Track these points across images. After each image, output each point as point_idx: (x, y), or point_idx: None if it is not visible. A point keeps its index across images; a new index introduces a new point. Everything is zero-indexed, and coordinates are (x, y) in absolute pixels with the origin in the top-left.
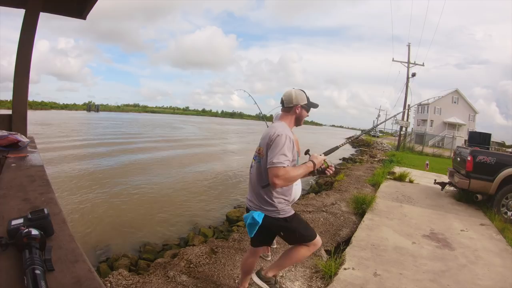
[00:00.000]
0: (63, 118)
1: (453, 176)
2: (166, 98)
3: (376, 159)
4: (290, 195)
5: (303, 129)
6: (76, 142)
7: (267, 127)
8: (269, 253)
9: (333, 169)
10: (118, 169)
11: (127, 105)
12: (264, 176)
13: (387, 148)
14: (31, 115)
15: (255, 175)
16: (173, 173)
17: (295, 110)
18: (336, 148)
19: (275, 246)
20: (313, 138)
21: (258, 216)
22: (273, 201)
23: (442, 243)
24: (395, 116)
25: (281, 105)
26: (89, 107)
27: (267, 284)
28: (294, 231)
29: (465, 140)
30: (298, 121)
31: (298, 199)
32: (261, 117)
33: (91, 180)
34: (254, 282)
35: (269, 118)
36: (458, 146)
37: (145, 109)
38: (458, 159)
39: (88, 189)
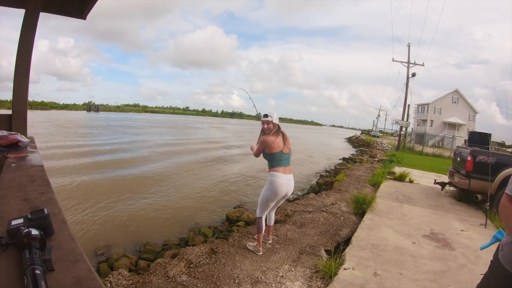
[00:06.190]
0: (81, 119)
1: (453, 176)
2: (166, 98)
3: (376, 159)
4: None
5: (304, 129)
6: (152, 149)
7: None
8: (270, 237)
9: None
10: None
11: (127, 105)
12: None
13: (387, 148)
14: (46, 115)
15: None
16: None
17: None
18: None
19: (270, 241)
20: (314, 138)
21: None
22: None
23: (442, 243)
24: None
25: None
26: (89, 107)
27: None
28: None
29: (465, 140)
30: None
31: (298, 199)
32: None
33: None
34: None
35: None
36: (458, 146)
37: (145, 109)
38: (458, 159)
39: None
